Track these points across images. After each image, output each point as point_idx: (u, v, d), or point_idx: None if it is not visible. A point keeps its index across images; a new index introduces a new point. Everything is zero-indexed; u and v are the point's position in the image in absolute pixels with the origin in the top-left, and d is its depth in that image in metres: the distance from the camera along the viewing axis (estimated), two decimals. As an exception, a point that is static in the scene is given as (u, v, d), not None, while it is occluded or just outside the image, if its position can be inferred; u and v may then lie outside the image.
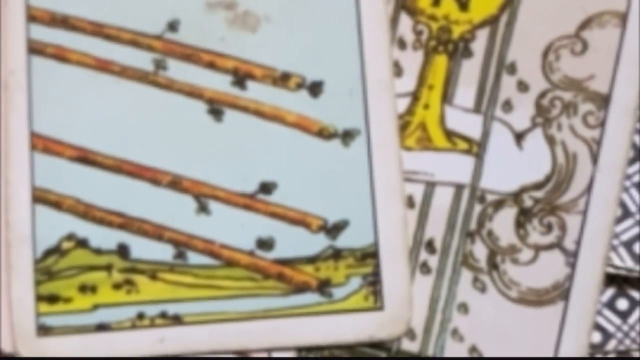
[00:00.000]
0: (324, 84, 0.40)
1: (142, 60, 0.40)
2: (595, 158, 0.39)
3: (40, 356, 0.38)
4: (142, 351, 0.38)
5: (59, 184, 0.39)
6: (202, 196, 0.39)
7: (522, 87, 0.40)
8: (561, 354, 0.39)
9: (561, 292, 0.39)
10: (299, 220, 0.39)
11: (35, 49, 0.40)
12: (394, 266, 0.39)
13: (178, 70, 0.40)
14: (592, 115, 0.40)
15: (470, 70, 0.40)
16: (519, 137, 0.40)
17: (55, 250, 0.39)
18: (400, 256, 0.39)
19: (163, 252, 0.39)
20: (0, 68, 0.40)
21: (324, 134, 0.39)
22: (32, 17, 0.40)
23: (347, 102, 0.39)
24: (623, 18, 0.40)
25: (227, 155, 0.39)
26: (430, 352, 0.39)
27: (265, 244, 0.39)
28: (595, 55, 0.40)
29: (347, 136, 0.39)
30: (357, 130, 0.39)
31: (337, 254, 0.39)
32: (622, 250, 0.40)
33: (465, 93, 0.40)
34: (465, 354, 0.39)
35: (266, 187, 0.39)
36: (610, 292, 0.41)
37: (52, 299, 0.38)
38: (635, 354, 0.41)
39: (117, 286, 0.39)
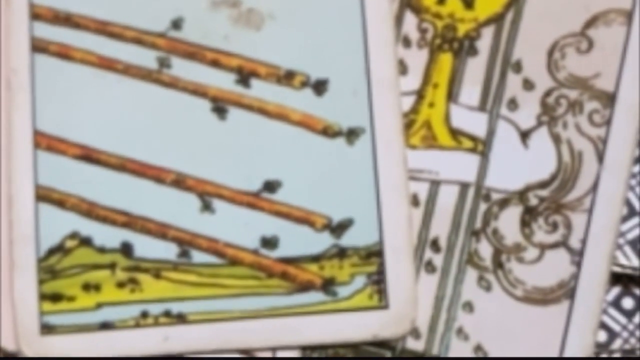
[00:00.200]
0: (328, 82, 0.39)
1: (146, 58, 0.40)
2: (600, 156, 0.39)
3: (43, 355, 0.38)
4: (146, 350, 0.38)
5: (63, 182, 0.39)
6: (206, 195, 0.39)
7: (528, 85, 0.40)
8: (566, 353, 0.38)
9: (566, 291, 0.39)
10: (303, 218, 0.39)
11: (38, 47, 0.40)
12: (398, 265, 0.39)
13: (182, 68, 0.40)
14: (597, 114, 0.40)
15: (475, 69, 0.40)
16: (525, 135, 0.40)
17: (58, 249, 0.39)
18: (405, 255, 0.39)
19: (167, 250, 0.39)
20: (4, 66, 0.40)
21: (329, 132, 0.39)
22: (36, 14, 0.40)
23: (352, 101, 0.39)
24: (629, 16, 0.40)
25: (231, 154, 0.39)
26: (435, 351, 0.39)
27: (269, 242, 0.39)
28: (600, 53, 0.40)
29: (351, 134, 0.39)
30: (361, 128, 0.39)
31: (341, 253, 0.39)
32: (628, 249, 0.40)
33: (471, 91, 0.40)
34: (470, 353, 0.39)
35: (270, 186, 0.39)
36: (615, 291, 0.41)
37: (56, 297, 0.38)
38: (641, 354, 0.41)
39: (120, 285, 0.39)
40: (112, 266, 0.39)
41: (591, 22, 0.40)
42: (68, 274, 0.39)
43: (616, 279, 0.41)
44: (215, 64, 0.40)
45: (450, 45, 0.40)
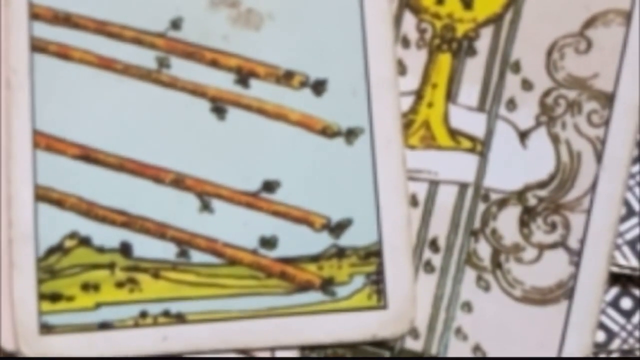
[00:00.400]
0: (327, 82, 0.39)
1: (145, 58, 0.40)
2: (599, 157, 0.39)
3: (42, 355, 0.38)
4: (145, 350, 0.38)
5: (62, 182, 0.39)
6: (205, 194, 0.39)
7: (526, 85, 0.40)
8: (565, 353, 0.39)
9: (565, 291, 0.39)
10: (302, 218, 0.39)
11: (37, 46, 0.40)
12: (397, 265, 0.39)
13: (181, 68, 0.40)
14: (596, 114, 0.40)
15: (474, 69, 0.40)
16: (523, 135, 0.40)
17: (57, 249, 0.39)
18: (403, 255, 0.39)
19: (166, 250, 0.39)
20: (3, 66, 0.40)
21: (328, 132, 0.39)
22: (35, 14, 0.40)
23: (351, 101, 0.39)
24: (627, 17, 0.40)
25: (230, 154, 0.39)
26: (433, 351, 0.39)
27: (268, 242, 0.39)
28: (599, 53, 0.40)
29: (350, 135, 0.39)
30: (360, 128, 0.39)
31: (340, 253, 0.39)
32: (626, 249, 0.40)
33: (469, 91, 0.40)
34: (468, 353, 0.39)
35: (269, 186, 0.39)
36: (614, 291, 0.41)
37: (55, 297, 0.38)
38: (639, 354, 0.41)
39: (119, 284, 0.39)
40: (111, 266, 0.39)
41: (590, 23, 0.40)
42: (67, 273, 0.39)
43: (615, 279, 0.41)
44: (214, 64, 0.40)
45: (449, 46, 0.40)
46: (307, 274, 0.39)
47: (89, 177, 0.39)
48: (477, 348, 0.39)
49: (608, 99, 0.40)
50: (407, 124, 0.40)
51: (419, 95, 0.40)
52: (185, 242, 0.39)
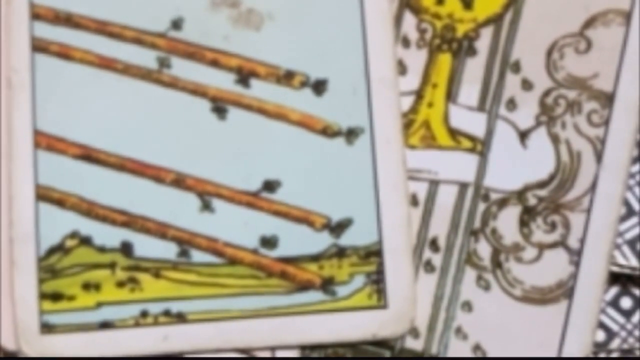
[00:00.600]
0: (327, 82, 0.40)
1: (146, 58, 0.40)
2: (599, 156, 0.39)
3: (43, 354, 0.38)
4: (145, 349, 0.38)
5: (63, 181, 0.39)
6: (206, 194, 0.39)
7: (526, 85, 0.40)
8: (565, 353, 0.39)
9: (565, 290, 0.39)
10: (302, 218, 0.39)
11: (39, 46, 0.40)
12: (397, 264, 0.39)
13: (182, 68, 0.40)
14: (596, 114, 0.40)
15: (474, 69, 0.40)
16: (523, 135, 0.40)
17: (58, 248, 0.39)
18: (404, 254, 0.39)
19: (166, 250, 0.39)
20: (4, 66, 0.40)
21: (328, 132, 0.39)
22: (36, 14, 0.40)
23: (351, 101, 0.39)
24: (627, 17, 0.40)
25: (231, 154, 0.39)
26: (433, 351, 0.39)
27: (268, 242, 0.39)
28: (599, 53, 0.40)
29: (351, 134, 0.39)
30: (361, 128, 0.39)
31: (340, 252, 0.39)
32: (626, 249, 0.40)
33: (470, 91, 0.40)
34: (468, 353, 0.39)
35: (270, 186, 0.39)
36: (614, 290, 0.41)
37: (56, 296, 0.38)
38: (639, 353, 0.41)
39: (120, 284, 0.39)
40: (112, 265, 0.39)
41: (590, 23, 0.40)
42: (68, 273, 0.39)
43: (614, 278, 0.41)
44: (214, 64, 0.40)
45: (449, 46, 0.40)
46: (308, 273, 0.39)
47: (90, 177, 0.39)
48: (477, 347, 0.39)
49: (608, 99, 0.40)
50: (408, 124, 0.40)
51: (419, 95, 0.40)
52: (185, 241, 0.39)
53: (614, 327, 0.41)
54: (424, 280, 0.39)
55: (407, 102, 0.40)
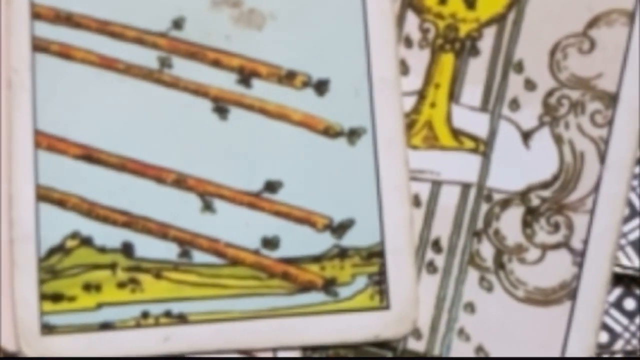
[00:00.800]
0: (329, 82, 0.39)
1: (147, 58, 0.40)
2: (602, 157, 0.39)
3: (43, 355, 0.38)
4: (146, 350, 0.38)
5: (63, 182, 0.39)
6: (207, 195, 0.39)
7: (530, 85, 0.40)
8: (568, 354, 0.38)
9: (568, 291, 0.39)
10: (304, 219, 0.39)
11: (39, 46, 0.40)
12: (400, 265, 0.39)
13: (183, 68, 0.40)
14: (599, 114, 0.40)
15: (477, 69, 0.40)
16: (526, 135, 0.40)
17: (59, 249, 0.39)
18: (406, 255, 0.39)
19: (168, 250, 0.39)
20: (5, 65, 0.40)
21: (330, 132, 0.39)
22: (37, 14, 0.40)
23: (353, 101, 0.39)
24: (631, 17, 0.40)
25: (232, 154, 0.39)
26: (436, 352, 0.39)
27: (270, 242, 0.39)
28: (602, 53, 0.40)
29: (353, 135, 0.39)
30: (363, 128, 0.39)
31: (342, 253, 0.39)
32: (630, 250, 0.40)
33: (472, 91, 0.40)
34: (471, 354, 0.39)
35: (271, 186, 0.39)
36: (617, 291, 0.41)
37: (56, 297, 0.38)
38: (642, 355, 0.41)
39: (121, 285, 0.38)
40: (112, 266, 0.39)
41: (593, 23, 0.40)
42: (69, 274, 0.39)
43: (618, 279, 0.41)
44: (216, 63, 0.40)
45: (452, 46, 0.40)
46: (310, 274, 0.39)
47: (91, 177, 0.39)
48: (479, 349, 0.39)
49: (611, 99, 0.40)
50: (410, 124, 0.40)
51: (421, 95, 0.40)
52: (187, 242, 0.39)
53: (617, 329, 0.41)
54: (427, 281, 0.39)
55: (410, 103, 0.40)
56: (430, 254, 0.39)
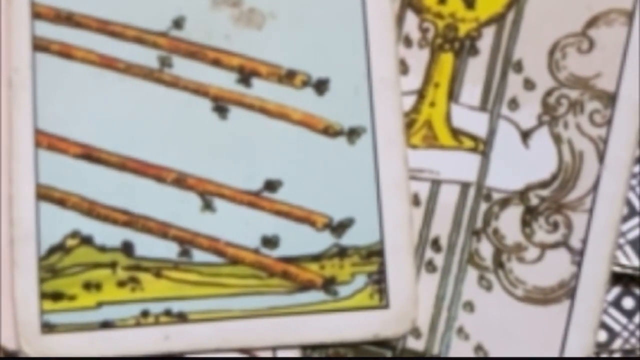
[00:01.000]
0: (329, 81, 0.39)
1: (147, 57, 0.40)
2: (601, 156, 0.39)
3: (44, 354, 0.38)
4: (146, 349, 0.38)
5: (64, 181, 0.39)
6: (207, 194, 0.39)
7: (529, 85, 0.40)
8: (567, 353, 0.38)
9: (567, 290, 0.39)
10: (304, 218, 0.39)
11: (40, 45, 0.40)
12: (399, 264, 0.39)
13: (183, 67, 0.40)
14: (598, 114, 0.40)
15: (476, 68, 0.40)
16: (525, 135, 0.40)
17: (59, 248, 0.39)
18: (405, 254, 0.39)
19: (168, 249, 0.39)
20: (5, 65, 0.40)
21: (330, 131, 0.39)
22: (37, 13, 0.40)
23: (353, 100, 0.39)
24: (630, 16, 0.40)
25: (232, 153, 0.39)
26: (435, 351, 0.39)
27: (270, 241, 0.39)
28: (601, 53, 0.40)
29: (352, 134, 0.39)
30: (362, 128, 0.39)
31: (342, 252, 0.39)
32: (629, 249, 0.40)
33: (472, 91, 0.40)
34: (470, 353, 0.39)
35: (271, 185, 0.39)
36: (616, 291, 0.41)
37: (57, 296, 0.38)
38: (641, 354, 0.41)
39: (121, 284, 0.39)
40: (112, 265, 0.39)
41: (592, 22, 0.40)
42: (69, 272, 0.39)
43: (617, 278, 0.41)
44: (216, 63, 0.40)
45: (452, 45, 0.40)
46: (309, 273, 0.39)
47: (91, 176, 0.39)
48: (479, 348, 0.39)
49: (610, 99, 0.40)
50: (409, 124, 0.40)
51: (421, 94, 0.40)
52: (187, 241, 0.39)
53: (616, 328, 0.41)
54: (426, 280, 0.39)
55: (409, 102, 0.40)
56: (429, 253, 0.39)
